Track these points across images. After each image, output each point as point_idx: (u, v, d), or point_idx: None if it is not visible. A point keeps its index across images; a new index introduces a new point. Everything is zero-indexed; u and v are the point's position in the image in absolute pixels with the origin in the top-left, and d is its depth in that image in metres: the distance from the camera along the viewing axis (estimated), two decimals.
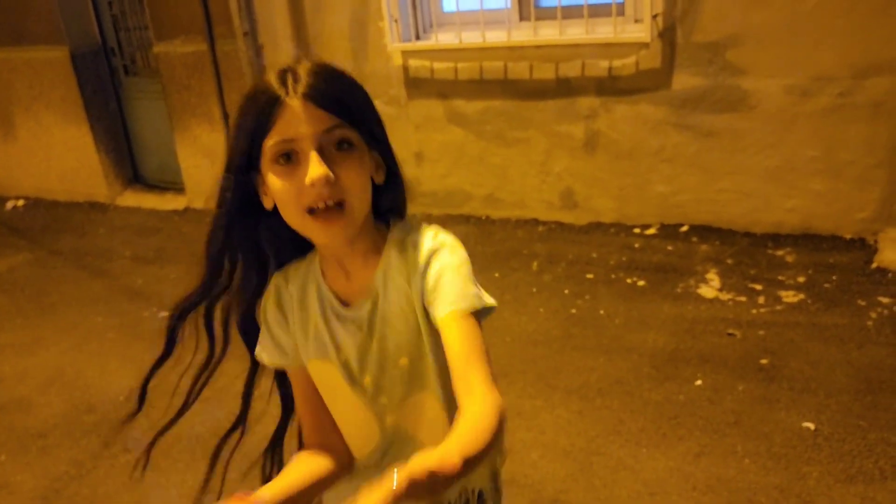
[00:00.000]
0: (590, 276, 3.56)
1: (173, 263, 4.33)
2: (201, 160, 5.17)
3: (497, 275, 3.66)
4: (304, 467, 1.08)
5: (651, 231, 3.91)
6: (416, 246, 1.03)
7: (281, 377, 1.18)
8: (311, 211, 0.95)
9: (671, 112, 3.74)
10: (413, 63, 4.25)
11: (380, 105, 4.22)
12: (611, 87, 3.84)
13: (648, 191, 3.94)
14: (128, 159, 5.88)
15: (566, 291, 3.43)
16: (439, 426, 1.05)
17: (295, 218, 0.98)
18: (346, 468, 1.12)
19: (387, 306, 1.04)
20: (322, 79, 0.97)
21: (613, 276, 3.53)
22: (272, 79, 0.98)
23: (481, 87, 4.14)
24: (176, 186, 5.50)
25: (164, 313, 3.65)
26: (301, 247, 1.10)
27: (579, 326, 3.13)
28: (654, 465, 2.27)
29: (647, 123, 3.83)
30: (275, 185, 0.97)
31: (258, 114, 0.97)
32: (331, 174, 0.94)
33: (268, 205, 1.02)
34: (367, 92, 1.04)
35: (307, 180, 0.93)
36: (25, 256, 4.73)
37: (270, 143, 0.96)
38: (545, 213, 4.23)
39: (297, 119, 0.94)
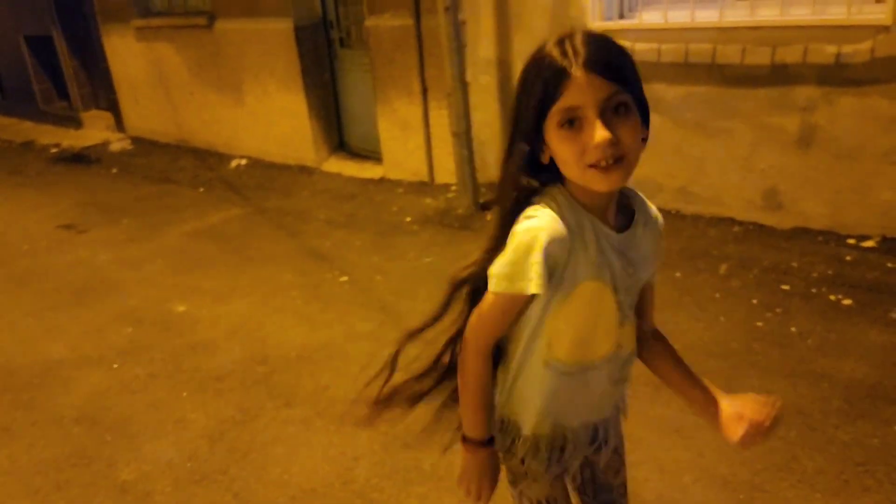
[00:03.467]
0: (785, 287, 3.19)
1: (361, 230, 4.51)
2: (398, 132, 5.33)
3: (678, 274, 3.39)
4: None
5: (869, 243, 3.42)
6: (648, 205, 1.27)
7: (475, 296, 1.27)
8: (593, 166, 1.06)
9: None
10: None
11: None
12: (837, 75, 3.38)
13: (871, 197, 3.44)
14: (335, 127, 6.22)
15: (754, 301, 3.10)
16: (631, 341, 1.31)
17: (576, 171, 1.08)
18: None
19: (643, 240, 1.23)
20: (598, 48, 1.05)
21: (814, 290, 3.14)
22: (553, 50, 1.06)
23: (685, 70, 3.83)
24: (375, 156, 5.73)
25: (344, 278, 3.83)
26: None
27: (763, 343, 2.81)
28: None
29: (878, 120, 3.33)
30: (559, 146, 1.08)
31: (545, 84, 1.06)
32: (612, 136, 1.03)
33: (544, 160, 1.14)
34: (632, 57, 1.10)
35: (593, 142, 1.03)
36: (237, 211, 5.18)
37: (557, 111, 1.06)
38: (743, 213, 3.86)
39: (581, 89, 1.03)
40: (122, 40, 7.51)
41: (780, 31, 3.48)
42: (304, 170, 6.06)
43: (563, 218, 1.14)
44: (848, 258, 3.34)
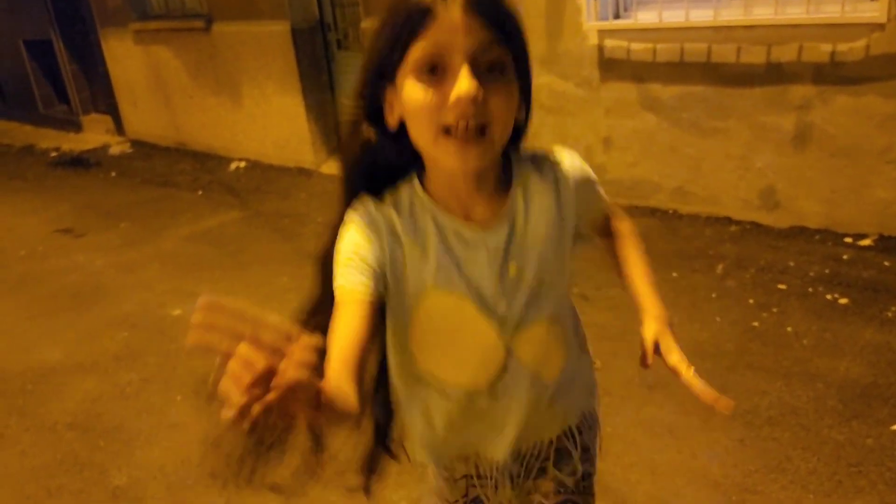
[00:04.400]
0: (782, 286, 3.17)
1: None
2: None
3: (675, 275, 3.38)
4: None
5: (866, 242, 3.40)
6: (554, 164, 1.04)
7: (321, 306, 1.05)
8: (448, 131, 0.87)
9: None
10: (609, 43, 4.02)
11: (570, 87, 4.10)
12: (832, 74, 3.37)
13: (867, 195, 3.42)
14: (334, 129, 6.21)
15: (751, 301, 3.08)
16: (548, 355, 1.08)
17: (427, 134, 0.89)
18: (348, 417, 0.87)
19: (529, 228, 1.00)
20: None
21: (811, 289, 3.12)
22: None
23: (680, 70, 3.82)
24: None
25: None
26: (392, 178, 1.02)
27: (759, 342, 2.80)
28: None
29: (873, 118, 3.31)
30: (412, 96, 0.88)
31: (408, 19, 0.87)
32: (480, 93, 0.85)
33: (391, 122, 0.94)
34: (520, 16, 0.94)
35: (454, 94, 0.85)
36: (235, 214, 5.18)
37: (417, 50, 0.87)
38: (740, 212, 3.84)
39: (454, 28, 0.85)
40: (121, 44, 7.52)
41: (775, 29, 3.47)
42: (302, 172, 6.06)
43: (394, 206, 0.98)
44: (844, 257, 3.33)
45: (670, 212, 4.06)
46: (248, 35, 6.17)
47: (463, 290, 0.99)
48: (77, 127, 8.77)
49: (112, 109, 8.18)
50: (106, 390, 3.01)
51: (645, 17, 3.88)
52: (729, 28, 3.60)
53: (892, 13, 3.11)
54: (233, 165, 6.56)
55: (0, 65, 10.05)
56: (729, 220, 3.86)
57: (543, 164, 1.04)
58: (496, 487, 1.17)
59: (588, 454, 1.22)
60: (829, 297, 3.04)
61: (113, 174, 6.81)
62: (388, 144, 0.96)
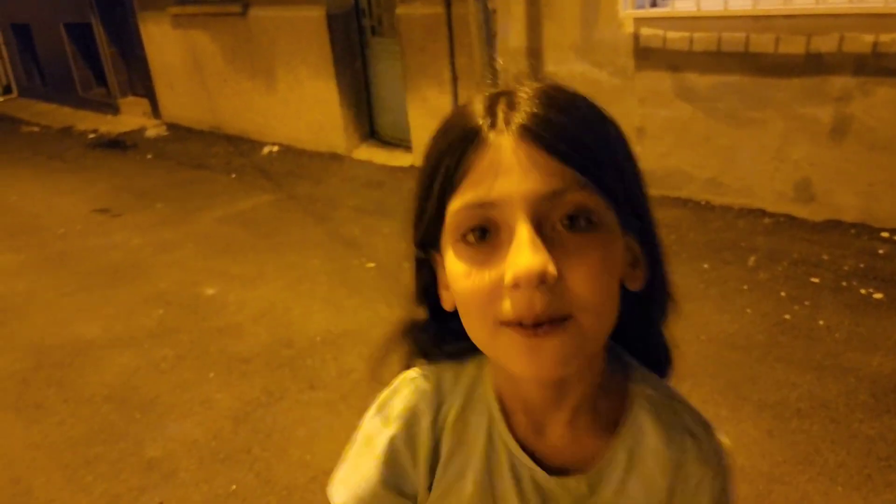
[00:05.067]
0: (815, 279, 3.14)
1: (388, 218, 4.53)
2: (428, 121, 5.33)
3: (706, 266, 3.36)
4: None
5: None
6: (693, 438, 0.70)
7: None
8: (509, 323, 0.59)
9: None
10: (645, 31, 3.99)
11: (604, 75, 4.08)
12: (874, 65, 3.31)
13: None
14: (366, 115, 6.25)
15: (782, 294, 3.05)
16: None
17: (481, 331, 0.62)
18: None
19: (617, 499, 0.69)
20: (553, 105, 0.61)
21: (844, 283, 3.08)
22: (477, 103, 0.62)
23: (717, 59, 3.78)
24: (405, 144, 5.75)
25: (371, 264, 3.84)
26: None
27: (790, 335, 2.77)
28: None
29: None
30: (455, 276, 0.61)
31: (445, 156, 0.61)
32: (552, 268, 0.56)
33: (446, 305, 0.68)
34: (624, 136, 0.65)
35: (508, 275, 0.57)
36: (268, 197, 5.24)
37: (456, 206, 0.60)
38: (774, 205, 3.79)
39: (505, 167, 0.58)
40: (159, 28, 7.63)
41: (815, 19, 3.41)
42: (334, 157, 6.11)
43: (451, 391, 0.71)
44: (880, 251, 3.28)
45: (703, 203, 4.02)
46: (283, 20, 6.22)
47: None
48: (114, 109, 8.92)
49: (149, 93, 8.30)
50: (142, 365, 3.08)
51: (682, 6, 3.84)
52: (768, 17, 3.54)
53: None
54: (266, 149, 6.63)
55: (41, 47, 10.25)
56: (762, 213, 3.82)
57: (673, 404, 0.71)
58: None
59: None
60: (863, 291, 3.00)
61: (149, 156, 6.93)
62: (444, 329, 0.71)
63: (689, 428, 0.70)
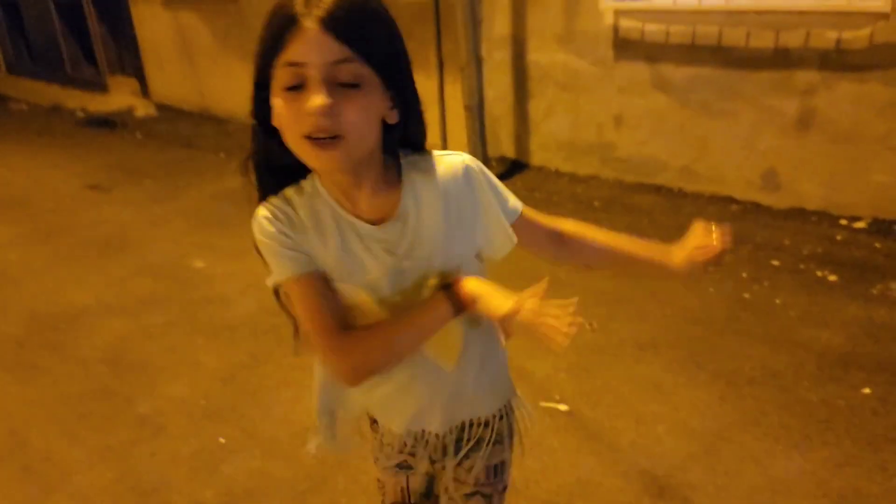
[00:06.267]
0: (776, 262, 3.32)
1: None
2: None
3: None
4: None
5: (860, 224, 3.53)
6: (441, 168, 1.08)
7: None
8: (308, 137, 0.94)
9: None
10: (624, 23, 4.14)
11: (585, 65, 4.26)
12: (836, 60, 3.48)
13: (865, 179, 3.55)
14: None
15: (744, 275, 3.23)
16: (445, 345, 1.13)
17: (292, 142, 0.97)
18: None
19: (420, 227, 1.06)
20: (345, 3, 0.92)
21: (803, 266, 3.26)
22: None
23: (692, 52, 3.94)
24: None
25: None
26: (294, 175, 1.08)
27: (748, 312, 2.95)
28: (788, 464, 2.13)
29: (874, 105, 3.43)
30: (277, 108, 0.96)
31: (273, 31, 0.93)
32: (328, 104, 0.91)
33: (275, 122, 1.00)
34: (395, 24, 0.98)
35: (305, 108, 0.91)
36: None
37: (280, 66, 0.93)
38: (742, 192, 3.98)
39: (308, 44, 0.91)
40: (150, 8, 7.68)
41: (783, 15, 3.58)
42: None
43: (297, 199, 1.05)
44: (838, 238, 3.46)
45: (676, 190, 4.19)
46: (273, 3, 6.30)
47: (360, 283, 1.06)
48: (103, 88, 8.96)
49: (138, 72, 8.36)
50: (133, 331, 3.21)
51: (660, 0, 3.99)
52: (740, 13, 3.71)
53: (895, 4, 3.22)
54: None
55: (30, 24, 10.25)
56: (731, 200, 3.99)
57: (430, 163, 1.08)
58: (413, 455, 1.27)
59: (501, 445, 1.27)
60: (819, 273, 3.18)
61: (138, 135, 7.00)
62: (279, 147, 1.00)
63: (438, 160, 1.09)
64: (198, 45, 7.29)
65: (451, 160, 1.10)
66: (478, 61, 4.68)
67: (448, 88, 5.18)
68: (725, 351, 2.71)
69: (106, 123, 7.52)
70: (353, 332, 1.05)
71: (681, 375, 2.58)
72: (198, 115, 7.53)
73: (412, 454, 1.28)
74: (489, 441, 1.25)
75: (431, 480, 1.35)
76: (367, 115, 0.95)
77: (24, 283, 3.81)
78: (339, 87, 0.92)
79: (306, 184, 1.06)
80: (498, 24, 4.73)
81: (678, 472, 2.14)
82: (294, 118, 0.93)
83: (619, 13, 4.15)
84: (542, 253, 1.21)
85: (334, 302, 1.06)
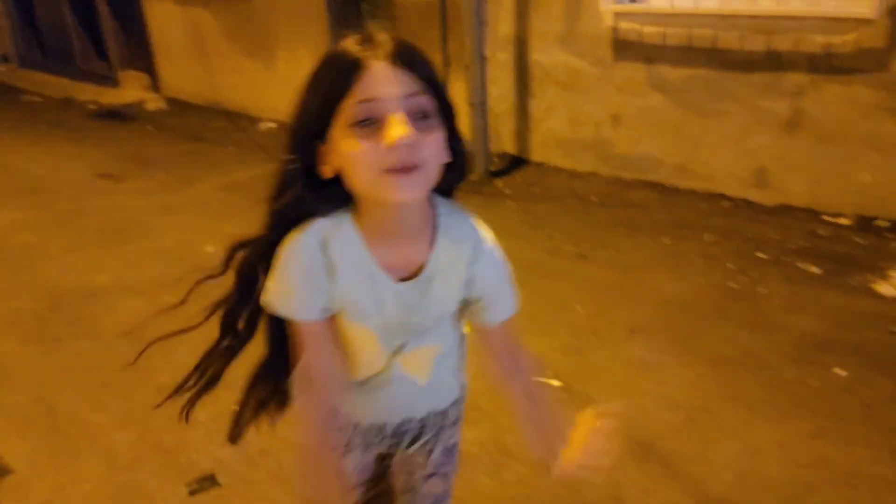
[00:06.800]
0: (762, 255, 3.49)
1: None
2: None
3: (667, 240, 3.69)
4: None
5: (843, 220, 3.70)
6: (472, 234, 1.11)
7: (275, 320, 1.25)
8: (390, 170, 0.94)
9: (888, 97, 3.49)
10: (623, 25, 4.31)
11: (585, 65, 4.48)
12: (824, 64, 3.65)
13: (849, 178, 3.72)
14: None
15: (731, 266, 3.40)
16: (423, 367, 1.22)
17: (368, 178, 0.96)
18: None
19: (441, 287, 1.10)
20: (404, 44, 0.98)
21: (787, 259, 3.43)
22: (350, 44, 0.97)
23: (688, 54, 4.11)
24: None
25: None
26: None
27: (733, 300, 3.12)
28: (762, 434, 2.30)
29: (858, 107, 3.60)
30: (350, 149, 0.95)
31: (337, 75, 0.95)
32: (412, 133, 0.92)
33: (327, 173, 1.02)
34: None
35: (391, 139, 0.91)
36: (264, 169, 5.49)
37: (350, 105, 0.94)
38: (733, 190, 4.14)
39: (382, 80, 0.93)
40: (161, 4, 7.86)
41: (775, 20, 3.75)
42: None
43: (331, 245, 1.07)
44: (823, 233, 3.63)
45: (670, 187, 4.36)
46: (283, 2, 6.49)
47: (371, 325, 1.12)
48: (114, 82, 9.13)
49: (149, 67, 8.54)
50: (150, 309, 3.36)
51: (658, 3, 4.17)
52: (734, 16, 3.88)
53: (881, 11, 3.38)
54: (263, 125, 6.90)
55: (42, 18, 10.44)
56: (722, 196, 4.16)
57: (467, 226, 1.12)
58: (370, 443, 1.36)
59: (455, 427, 1.37)
60: (801, 265, 3.35)
61: (149, 128, 7.18)
62: (316, 196, 1.05)
63: (469, 231, 1.11)
64: (208, 40, 7.47)
65: (485, 234, 1.13)
66: (482, 60, 4.85)
67: (453, 86, 5.35)
68: (710, 334, 2.88)
69: (117, 116, 7.70)
70: (325, 398, 1.18)
71: (667, 355, 2.75)
72: (208, 108, 7.70)
73: (370, 443, 1.35)
74: (447, 425, 1.34)
75: (387, 465, 1.44)
76: (439, 147, 0.99)
77: (44, 264, 3.98)
78: (412, 120, 0.94)
79: (339, 222, 1.07)
80: (502, 25, 4.90)
81: (661, 440, 2.31)
82: (372, 152, 0.93)
83: (618, 15, 4.32)
84: (490, 358, 1.22)
85: (329, 351, 1.16)
